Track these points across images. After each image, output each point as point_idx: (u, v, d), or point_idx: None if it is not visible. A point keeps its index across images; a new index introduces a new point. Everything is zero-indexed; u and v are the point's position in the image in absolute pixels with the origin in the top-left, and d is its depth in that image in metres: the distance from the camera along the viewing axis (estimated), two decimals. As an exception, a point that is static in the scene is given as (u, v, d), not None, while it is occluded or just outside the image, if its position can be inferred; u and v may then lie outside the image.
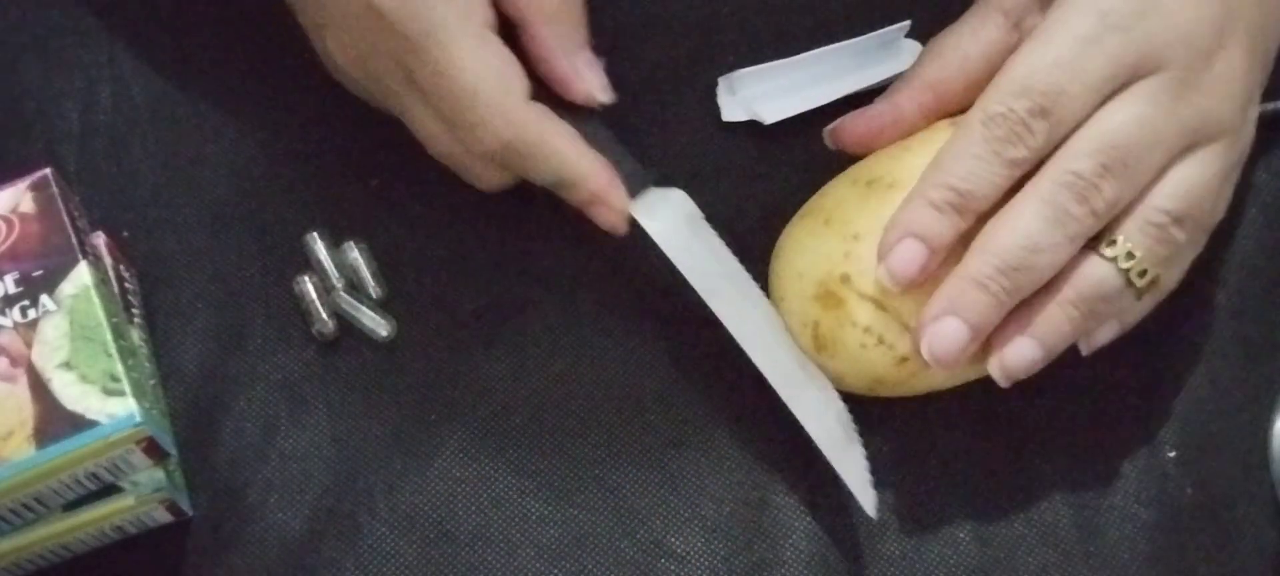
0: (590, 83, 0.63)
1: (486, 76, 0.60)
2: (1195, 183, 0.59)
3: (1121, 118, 0.58)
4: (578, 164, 0.62)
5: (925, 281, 0.59)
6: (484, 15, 0.61)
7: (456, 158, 0.63)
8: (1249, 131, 0.61)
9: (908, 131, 0.63)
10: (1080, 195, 0.57)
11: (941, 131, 0.62)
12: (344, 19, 0.62)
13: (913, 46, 0.67)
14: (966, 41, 0.63)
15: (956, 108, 0.62)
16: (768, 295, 0.63)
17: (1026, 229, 0.58)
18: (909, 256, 0.58)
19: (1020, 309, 0.59)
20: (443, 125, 0.62)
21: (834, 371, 0.61)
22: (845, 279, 0.60)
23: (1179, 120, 0.58)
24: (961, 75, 0.62)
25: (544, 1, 0.62)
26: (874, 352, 0.60)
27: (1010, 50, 0.62)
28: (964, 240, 0.59)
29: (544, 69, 0.62)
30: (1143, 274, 0.58)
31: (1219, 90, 0.59)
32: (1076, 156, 0.58)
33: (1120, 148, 0.57)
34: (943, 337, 0.58)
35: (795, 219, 0.63)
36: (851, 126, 0.64)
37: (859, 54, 0.67)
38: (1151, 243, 0.58)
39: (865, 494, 0.61)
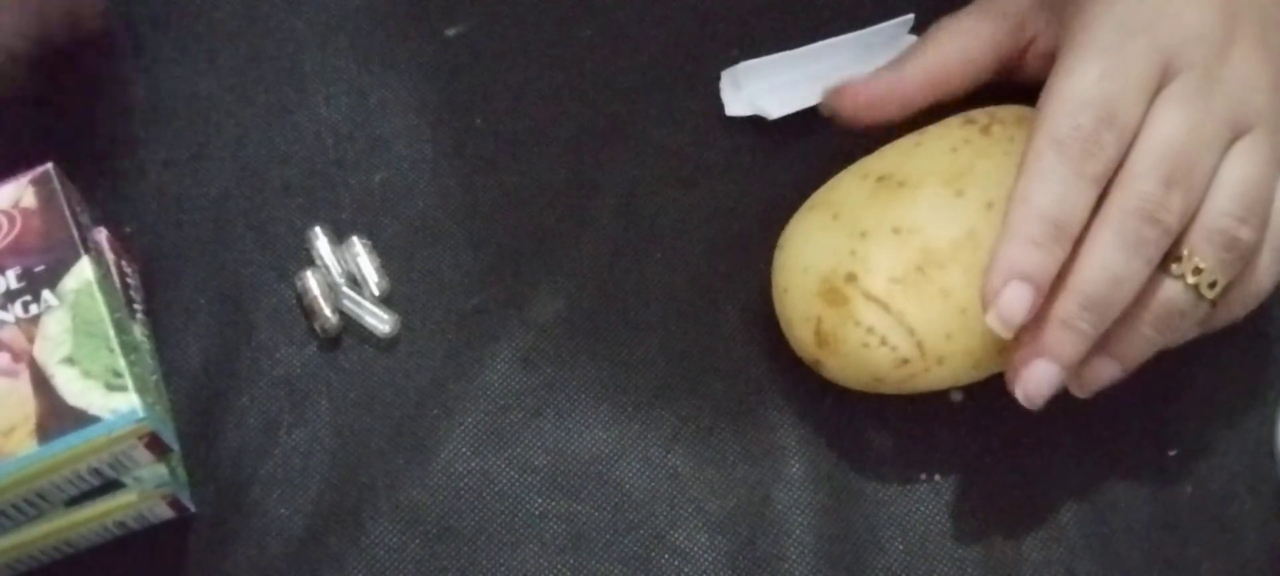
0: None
1: None
2: (1248, 176, 0.59)
3: (1170, 125, 0.58)
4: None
5: (929, 288, 0.59)
6: None
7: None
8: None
9: (906, 109, 0.63)
10: (1150, 216, 0.57)
11: (954, 127, 0.62)
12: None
13: (915, 41, 0.67)
14: (968, 34, 0.63)
15: (953, 97, 0.63)
16: (771, 286, 0.63)
17: (1105, 262, 0.57)
18: (1018, 299, 0.58)
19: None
20: None
21: (834, 368, 0.61)
22: (851, 277, 0.60)
23: (1217, 114, 0.58)
24: (962, 66, 0.63)
25: None
26: (876, 353, 0.60)
27: (1013, 49, 0.63)
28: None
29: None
30: (1213, 285, 0.59)
31: (1242, 81, 0.59)
32: (1138, 177, 0.58)
33: (1176, 156, 0.58)
34: (1036, 380, 0.58)
35: (802, 210, 0.63)
36: (853, 93, 0.64)
37: (862, 48, 0.67)
38: (1219, 251, 0.58)
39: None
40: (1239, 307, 0.61)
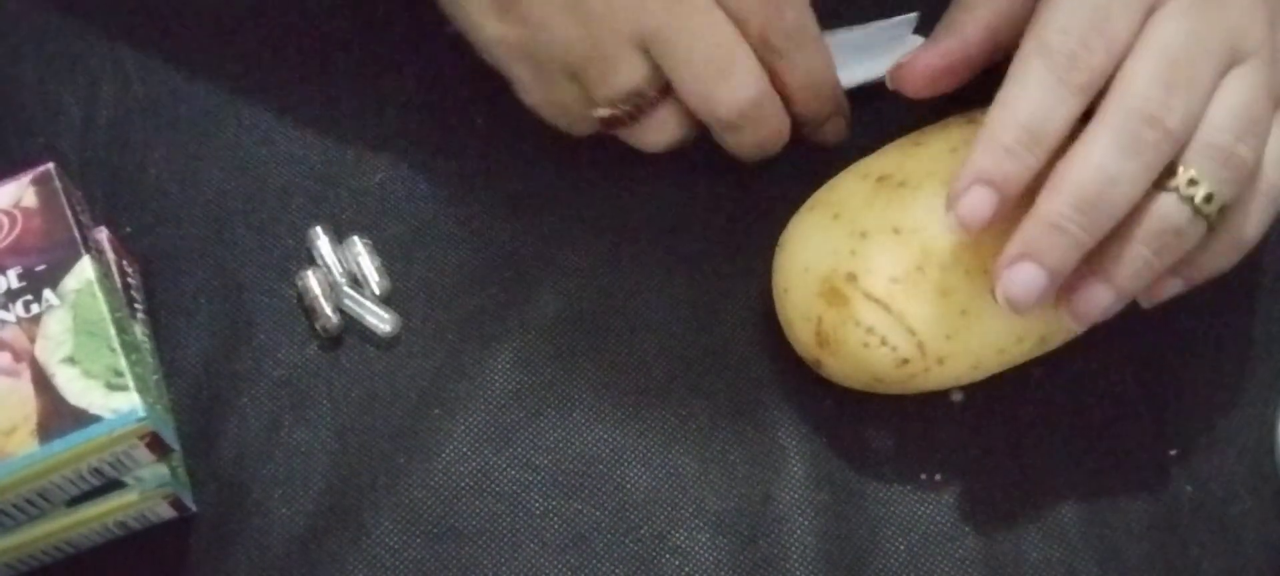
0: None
1: (730, 31, 0.60)
2: (1246, 97, 0.58)
3: (1171, 31, 0.57)
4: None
5: (929, 288, 0.59)
6: None
7: (673, 125, 0.63)
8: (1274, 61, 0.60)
9: (974, 70, 0.63)
10: (1151, 117, 0.56)
11: (955, 127, 0.62)
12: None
13: (918, 42, 0.66)
14: None
15: (1012, 49, 0.61)
16: (772, 287, 0.63)
17: (1100, 161, 0.56)
18: (981, 202, 0.57)
19: (1091, 254, 0.58)
20: (674, 95, 0.61)
21: (835, 369, 0.61)
22: (851, 277, 0.60)
23: (1218, 29, 0.58)
24: (1025, 10, 0.61)
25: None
26: (876, 353, 0.60)
27: None
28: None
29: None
30: (1208, 199, 0.57)
31: (1241, 9, 0.59)
32: (1138, 78, 0.57)
33: (1178, 62, 0.57)
34: (1020, 283, 0.57)
35: (803, 210, 0.63)
36: (918, 69, 0.63)
37: (864, 45, 0.67)
38: (1217, 167, 0.57)
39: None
40: (1230, 252, 0.60)
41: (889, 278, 0.59)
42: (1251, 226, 0.60)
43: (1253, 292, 0.66)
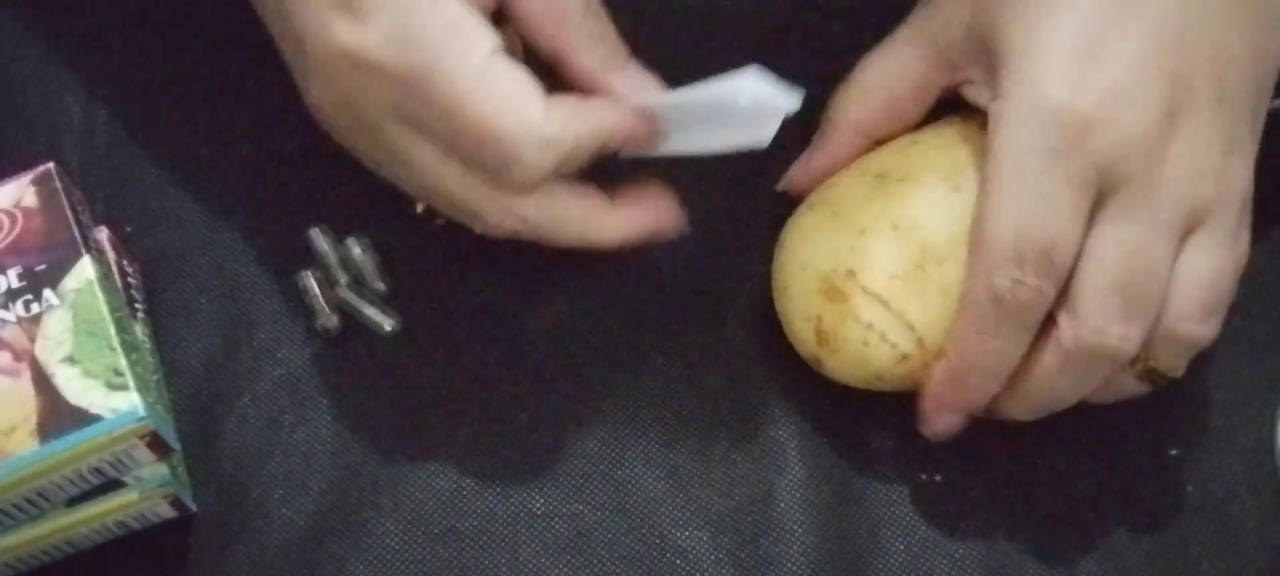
0: (649, 87, 0.59)
1: (503, 110, 0.55)
2: (1206, 273, 0.57)
3: (1117, 249, 0.56)
4: (614, 121, 0.58)
5: (929, 285, 0.59)
6: (490, 41, 0.56)
7: (476, 202, 0.58)
8: (1245, 178, 0.59)
9: (845, 165, 0.63)
10: (1107, 354, 0.57)
11: (952, 125, 0.62)
12: (325, 67, 0.56)
13: (754, 90, 0.58)
14: (893, 78, 0.61)
15: (885, 138, 0.62)
16: (772, 287, 0.63)
17: (1057, 392, 0.59)
18: (951, 426, 0.61)
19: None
20: (461, 170, 0.57)
21: (835, 366, 0.61)
22: (850, 274, 0.60)
23: (1163, 225, 0.56)
24: (888, 113, 0.62)
25: (578, 25, 0.57)
26: (876, 349, 0.60)
27: (945, 84, 0.61)
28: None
29: (597, 93, 0.58)
30: (1162, 376, 0.59)
31: (1187, 174, 0.56)
32: (1091, 314, 0.56)
33: (1128, 283, 0.56)
34: (943, 428, 0.61)
35: (801, 209, 0.63)
36: (798, 178, 0.64)
37: (696, 111, 0.60)
38: (1175, 354, 0.58)
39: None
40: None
41: (888, 274, 0.59)
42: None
43: (1253, 293, 0.65)
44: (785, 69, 0.67)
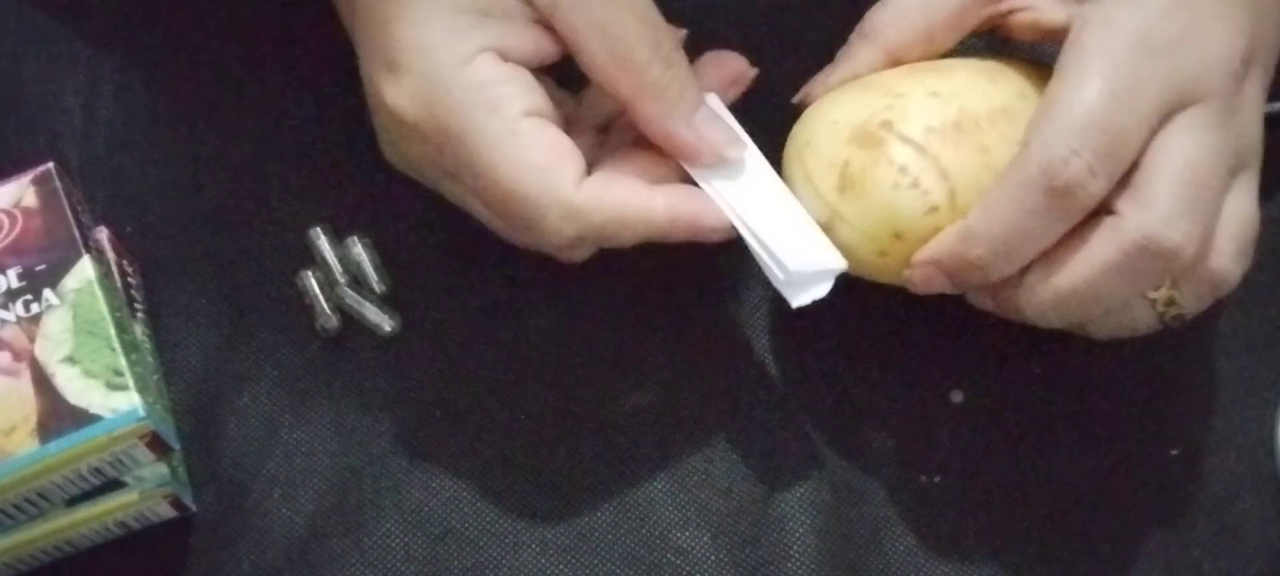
0: (714, 143, 0.58)
1: (528, 175, 0.55)
2: (1246, 214, 0.57)
3: (1193, 153, 0.55)
4: (657, 218, 0.57)
5: (967, 142, 0.57)
6: (524, 100, 0.56)
7: (530, 244, 0.59)
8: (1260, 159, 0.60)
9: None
10: (1170, 250, 0.55)
11: (974, 56, 0.61)
12: (379, 119, 0.59)
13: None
14: (935, 5, 0.60)
15: (914, 61, 0.61)
16: (786, 148, 0.60)
17: (1096, 292, 0.56)
18: (935, 285, 0.57)
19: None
20: (502, 222, 0.58)
21: (854, 216, 0.58)
22: (886, 124, 0.58)
23: (1230, 150, 0.57)
24: (924, 40, 0.60)
25: (643, 72, 0.57)
26: (906, 194, 0.57)
27: (978, 19, 0.60)
28: None
29: (662, 144, 0.58)
30: (1180, 316, 0.58)
31: (1250, 115, 0.58)
32: (1160, 201, 0.55)
33: (1201, 184, 0.55)
34: (925, 279, 0.57)
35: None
36: (814, 91, 0.61)
37: None
38: (1203, 291, 0.58)
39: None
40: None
41: (926, 126, 0.57)
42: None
43: (1253, 293, 0.66)
44: (786, 68, 0.67)
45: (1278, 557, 0.62)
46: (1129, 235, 0.55)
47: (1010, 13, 0.60)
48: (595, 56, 0.57)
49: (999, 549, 0.62)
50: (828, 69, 0.62)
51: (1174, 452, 0.64)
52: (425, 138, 0.57)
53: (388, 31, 0.56)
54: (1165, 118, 0.56)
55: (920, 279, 0.58)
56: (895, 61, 0.60)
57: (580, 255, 0.59)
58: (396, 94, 0.56)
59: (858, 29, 0.61)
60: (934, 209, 0.57)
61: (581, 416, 0.64)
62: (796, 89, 0.64)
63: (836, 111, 0.59)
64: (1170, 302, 0.58)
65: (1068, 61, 0.56)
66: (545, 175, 0.56)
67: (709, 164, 0.59)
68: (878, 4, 0.61)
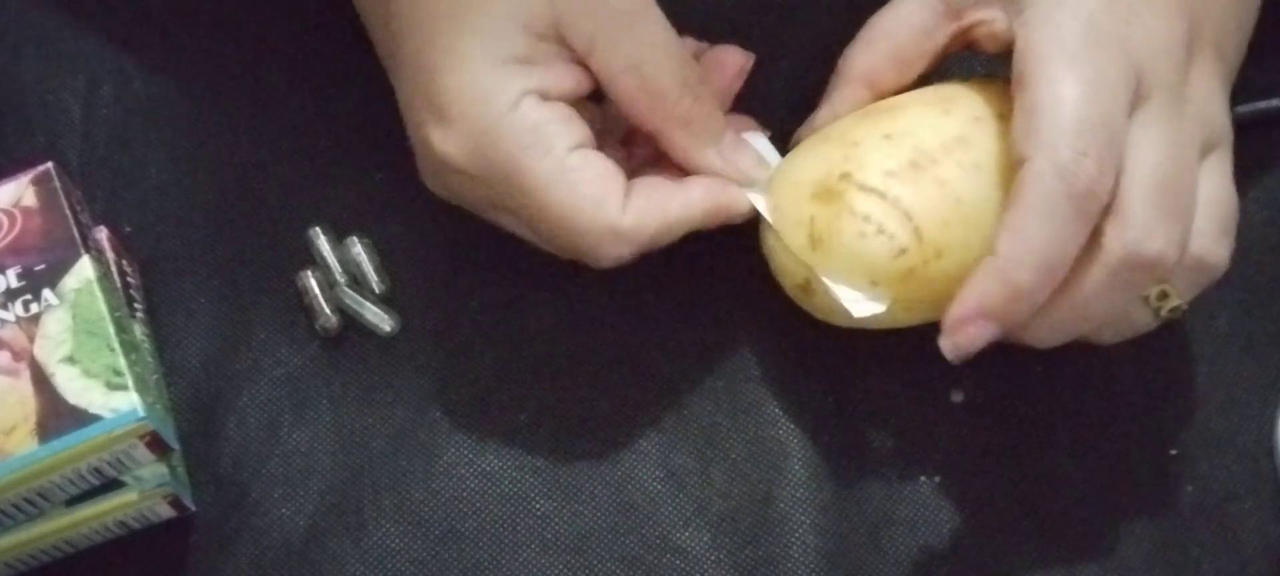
0: (744, 166, 0.61)
1: (582, 206, 0.58)
2: (1221, 194, 0.58)
3: (1157, 143, 0.56)
4: (696, 217, 0.61)
5: (924, 178, 0.58)
6: (570, 136, 0.59)
7: (580, 259, 0.61)
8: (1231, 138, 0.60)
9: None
10: (1155, 262, 0.56)
11: (945, 83, 0.62)
12: (426, 163, 0.61)
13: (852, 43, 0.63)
14: (898, 29, 0.61)
15: (892, 91, 0.62)
16: (759, 224, 0.62)
17: (1092, 311, 0.57)
18: (981, 337, 0.56)
19: None
20: (555, 247, 0.61)
21: (829, 271, 0.59)
22: (845, 176, 0.59)
23: (1190, 137, 0.57)
24: (894, 64, 0.61)
25: (673, 106, 0.60)
26: (873, 242, 0.58)
27: (947, 37, 0.61)
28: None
29: (692, 169, 0.61)
30: (1175, 309, 0.58)
31: (1205, 98, 0.58)
32: (1135, 211, 0.55)
33: (1170, 188, 0.56)
34: (971, 340, 0.57)
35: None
36: (804, 134, 0.63)
37: None
38: (1193, 280, 0.58)
39: None
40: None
41: (884, 171, 0.58)
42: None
43: (1253, 293, 0.66)
44: (786, 68, 0.67)
45: (1278, 557, 0.62)
46: (1113, 253, 0.56)
47: (973, 27, 0.61)
48: (628, 93, 0.60)
49: (999, 549, 0.62)
50: (814, 114, 0.63)
51: (1173, 452, 0.64)
52: (475, 180, 0.59)
53: (435, 82, 0.58)
54: (1129, 109, 0.56)
55: (967, 341, 0.56)
56: (877, 93, 0.62)
57: (625, 261, 0.61)
58: (446, 142, 0.58)
59: (836, 70, 0.63)
60: (903, 250, 0.58)
61: (581, 416, 0.64)
62: (796, 89, 0.64)
63: (797, 171, 0.61)
64: (1163, 296, 0.58)
65: (1027, 68, 0.57)
66: (596, 206, 0.59)
67: (738, 184, 0.61)
68: (850, 44, 0.63)
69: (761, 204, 0.61)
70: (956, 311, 0.56)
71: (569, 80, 0.59)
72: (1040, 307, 0.56)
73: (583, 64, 0.59)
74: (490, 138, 0.58)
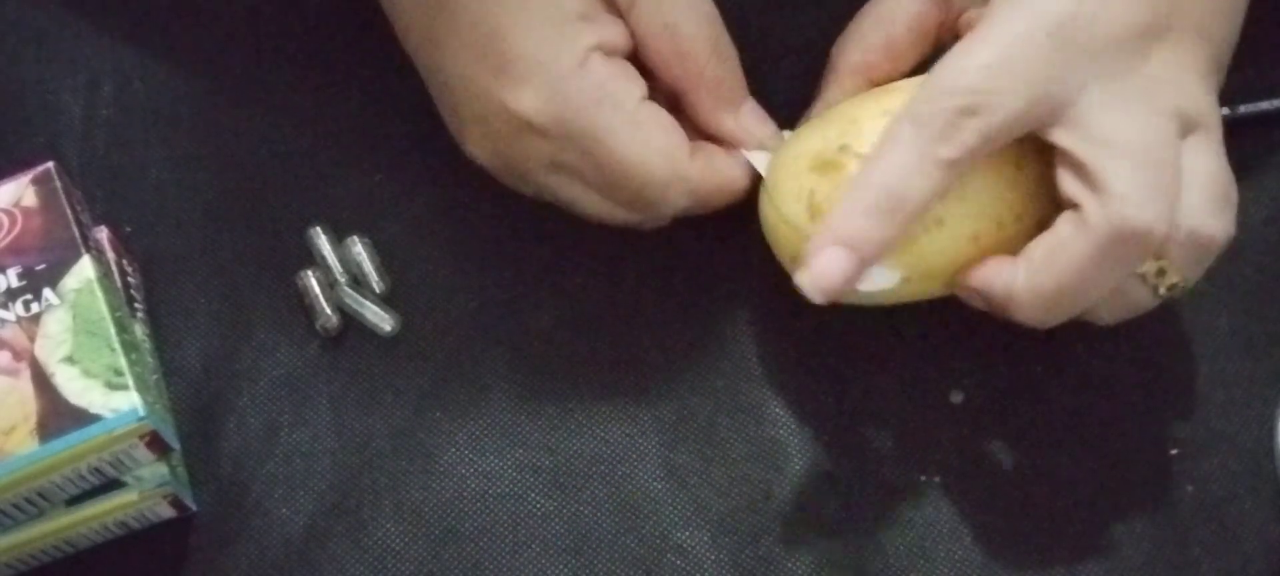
0: (760, 134, 0.63)
1: (654, 158, 0.60)
2: (1213, 169, 0.58)
3: (1128, 131, 0.56)
4: (741, 184, 0.63)
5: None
6: (636, 90, 0.61)
7: (618, 221, 0.63)
8: (1218, 110, 0.60)
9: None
10: (1141, 233, 0.56)
11: None
12: (484, 125, 0.61)
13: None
14: (889, 17, 0.62)
15: (885, 82, 0.62)
16: (759, 198, 0.62)
17: (1082, 287, 0.57)
18: (836, 265, 0.57)
19: None
20: (611, 205, 0.62)
21: None
22: (844, 148, 0.59)
23: (1162, 111, 0.57)
24: (887, 54, 0.62)
25: (702, 68, 0.62)
26: None
27: (936, 24, 0.62)
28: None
29: (709, 130, 0.63)
30: (1175, 286, 0.58)
31: (1169, 75, 0.57)
32: (1121, 187, 0.56)
33: (1150, 161, 0.56)
34: (825, 267, 0.58)
35: None
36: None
37: None
38: (1189, 256, 0.57)
39: None
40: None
41: None
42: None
43: (1253, 293, 0.66)
44: (786, 68, 0.67)
45: (1277, 558, 0.62)
46: (1098, 227, 0.56)
47: (959, 17, 0.62)
48: (661, 51, 0.61)
49: (999, 548, 0.62)
50: (810, 109, 0.64)
51: (1173, 452, 0.64)
52: (547, 137, 0.60)
53: (504, 43, 0.59)
54: (1052, 98, 0.56)
55: (821, 268, 0.58)
56: (870, 84, 0.62)
57: (681, 213, 0.63)
58: (520, 100, 0.59)
59: (828, 62, 0.64)
60: None
61: (581, 416, 0.64)
62: (796, 89, 0.64)
63: (795, 147, 0.61)
64: (1161, 273, 0.58)
65: (974, 28, 0.58)
66: (666, 156, 0.60)
67: (751, 150, 0.63)
68: (841, 36, 0.64)
69: (761, 164, 0.62)
70: (814, 242, 0.58)
71: (622, 37, 0.61)
72: (1035, 286, 0.57)
73: (624, 22, 0.61)
74: (562, 95, 0.59)
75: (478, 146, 0.62)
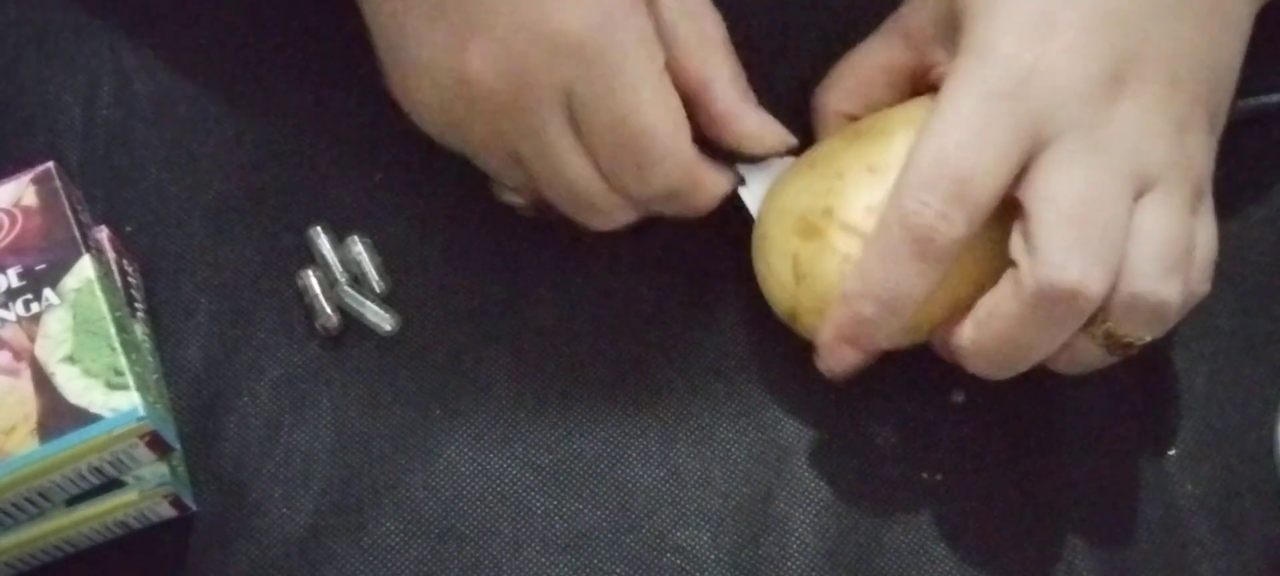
0: (777, 134, 0.63)
1: (668, 119, 0.60)
2: (1166, 230, 0.57)
3: (1067, 191, 0.56)
4: (725, 189, 0.63)
5: None
6: (661, 55, 0.60)
7: (594, 197, 0.61)
8: (1201, 159, 0.59)
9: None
10: (1069, 291, 0.56)
11: (930, 98, 0.62)
12: (510, 38, 0.58)
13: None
14: (865, 66, 0.63)
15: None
16: (752, 249, 0.63)
17: (1021, 344, 0.58)
18: (847, 359, 0.60)
19: None
20: (591, 171, 0.61)
21: (812, 304, 0.60)
22: (827, 211, 0.60)
23: (1114, 172, 0.56)
24: (863, 98, 0.63)
25: (726, 62, 0.62)
26: None
27: (911, 72, 0.63)
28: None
29: (725, 125, 0.62)
30: (1128, 344, 0.58)
31: (1131, 132, 0.57)
32: (1049, 243, 0.56)
33: (1088, 224, 0.56)
34: (840, 361, 0.60)
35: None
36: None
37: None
38: (1137, 318, 0.57)
39: None
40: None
41: (865, 207, 0.59)
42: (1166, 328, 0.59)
43: (1253, 293, 0.66)
44: (786, 68, 0.68)
45: (1277, 558, 0.62)
46: (1026, 286, 0.56)
47: (931, 69, 0.62)
48: (686, 39, 0.61)
49: (999, 548, 0.62)
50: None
51: (1173, 452, 0.64)
52: (577, 58, 0.58)
53: None
54: (1025, 157, 0.57)
55: (835, 362, 0.60)
56: (853, 119, 0.64)
57: (621, 215, 0.62)
58: (563, 12, 0.58)
59: (812, 109, 0.65)
60: None
61: (581, 416, 0.64)
62: (796, 88, 0.64)
63: (785, 199, 0.61)
64: (1109, 335, 0.58)
65: (934, 109, 0.58)
66: (676, 126, 0.60)
67: (766, 151, 0.63)
68: (821, 83, 0.65)
69: (752, 201, 0.63)
70: (823, 336, 0.60)
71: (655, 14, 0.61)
72: (973, 342, 0.58)
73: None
74: (613, 20, 0.58)
75: (484, 65, 0.59)
